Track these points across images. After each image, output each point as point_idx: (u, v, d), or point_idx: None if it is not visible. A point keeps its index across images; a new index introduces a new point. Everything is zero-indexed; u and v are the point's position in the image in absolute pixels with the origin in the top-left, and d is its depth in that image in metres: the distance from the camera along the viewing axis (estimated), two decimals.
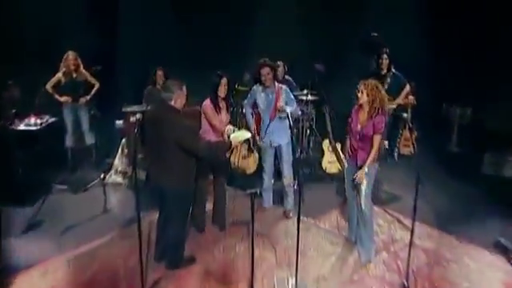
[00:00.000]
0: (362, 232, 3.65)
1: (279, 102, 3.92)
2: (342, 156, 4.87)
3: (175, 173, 3.07)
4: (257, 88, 4.02)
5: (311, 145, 5.60)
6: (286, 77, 5.44)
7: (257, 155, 5.00)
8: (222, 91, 3.70)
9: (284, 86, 3.96)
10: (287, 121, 3.86)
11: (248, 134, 3.40)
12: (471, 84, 5.73)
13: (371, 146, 3.48)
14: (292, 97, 4.00)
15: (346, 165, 3.73)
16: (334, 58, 5.99)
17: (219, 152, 3.34)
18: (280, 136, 4.04)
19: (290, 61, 5.07)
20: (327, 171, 5.13)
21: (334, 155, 5.09)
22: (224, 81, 3.67)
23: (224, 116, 3.76)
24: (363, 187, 3.50)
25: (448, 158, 5.68)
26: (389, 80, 4.89)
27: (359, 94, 3.44)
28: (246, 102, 4.17)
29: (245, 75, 5.65)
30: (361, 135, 3.51)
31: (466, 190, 4.84)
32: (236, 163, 5.04)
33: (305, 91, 5.44)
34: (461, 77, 5.80)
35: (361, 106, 3.50)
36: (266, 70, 3.90)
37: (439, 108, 6.36)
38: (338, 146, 5.11)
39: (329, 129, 5.08)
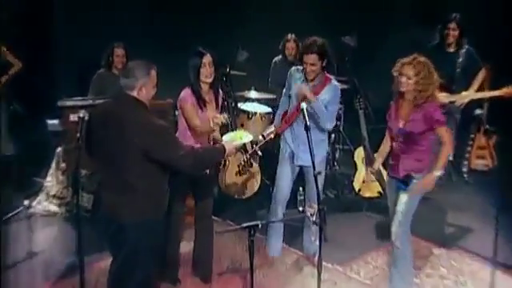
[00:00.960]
0: (393, 274, 3.72)
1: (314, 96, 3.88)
2: (383, 172, 4.89)
3: (139, 197, 3.03)
4: (294, 71, 4.02)
5: (337, 156, 5.78)
6: None
7: (257, 169, 5.08)
8: (206, 75, 3.67)
9: (334, 81, 3.95)
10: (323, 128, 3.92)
11: (248, 137, 3.43)
12: None
13: (423, 148, 3.52)
14: (338, 99, 3.98)
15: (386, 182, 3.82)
16: (372, 30, 6.11)
17: (209, 163, 3.36)
18: (307, 151, 3.81)
19: (305, 33, 5.30)
20: (362, 194, 5.20)
21: (369, 172, 5.17)
22: (207, 59, 3.66)
23: (211, 112, 3.75)
24: (400, 208, 3.55)
25: None
26: (460, 60, 4.95)
27: (402, 78, 3.46)
28: (284, 91, 4.18)
29: (239, 53, 5.86)
30: (404, 135, 3.54)
31: None
32: (226, 182, 5.06)
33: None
34: None
35: (402, 95, 3.53)
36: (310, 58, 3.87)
37: None
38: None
39: (364, 132, 5.17)
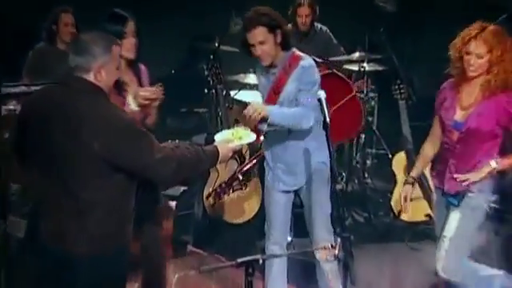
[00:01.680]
0: None
1: (278, 93, 3.90)
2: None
3: (96, 220, 3.04)
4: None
5: (369, 164, 5.89)
6: (319, 26, 5.74)
7: (257, 183, 5.15)
8: (129, 48, 3.71)
9: (305, 60, 3.90)
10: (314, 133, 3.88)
11: (251, 136, 3.47)
12: None
13: (485, 153, 3.53)
14: (311, 82, 3.90)
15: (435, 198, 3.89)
16: None
17: (196, 171, 3.42)
18: (295, 167, 4.02)
19: None
20: (403, 218, 5.16)
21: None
22: (131, 27, 3.72)
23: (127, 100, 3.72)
24: (449, 231, 3.59)
25: None
26: None
27: (469, 59, 3.43)
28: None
29: (233, 22, 5.82)
30: (464, 132, 3.53)
31: None
32: (213, 202, 5.09)
33: (356, 54, 5.65)
34: None
35: (466, 78, 3.51)
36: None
37: None
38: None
39: (406, 131, 5.21)
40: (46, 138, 3.01)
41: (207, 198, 5.09)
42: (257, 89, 5.46)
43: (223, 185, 4.83)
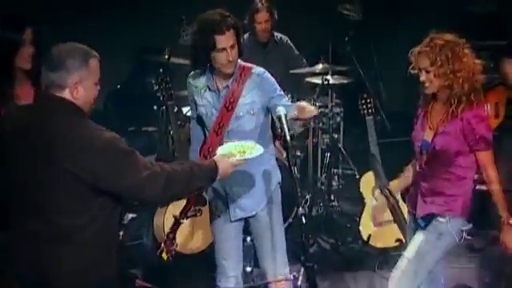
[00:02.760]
0: None
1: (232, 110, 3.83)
2: (404, 211, 5.04)
3: (79, 248, 2.99)
4: (193, 78, 3.95)
5: (334, 185, 5.71)
6: (278, 35, 5.65)
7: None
8: (25, 58, 3.68)
9: (256, 68, 3.87)
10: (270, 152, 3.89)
11: (257, 149, 3.44)
12: None
13: (455, 177, 3.53)
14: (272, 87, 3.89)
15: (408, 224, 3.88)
16: None
17: (190, 189, 3.38)
18: (254, 190, 3.93)
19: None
20: (373, 244, 5.16)
21: (386, 209, 5.00)
22: (29, 35, 3.70)
23: None
24: (409, 252, 3.61)
25: None
26: None
27: (420, 75, 3.47)
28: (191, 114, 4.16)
29: (184, 31, 5.72)
30: (430, 153, 3.53)
31: None
32: (165, 229, 4.87)
33: (319, 66, 5.51)
34: None
35: (434, 96, 3.53)
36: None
37: None
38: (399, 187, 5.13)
39: (374, 149, 5.11)
40: (20, 162, 3.00)
41: (160, 254, 4.69)
42: None
43: (170, 235, 4.57)
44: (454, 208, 3.52)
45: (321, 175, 5.80)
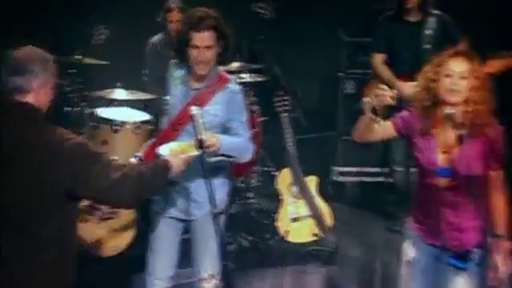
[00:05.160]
0: None
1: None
2: (322, 207, 5.09)
3: (53, 260, 2.98)
4: (174, 67, 3.91)
5: (253, 183, 5.74)
6: None
7: (131, 212, 4.96)
8: None
9: (233, 84, 3.84)
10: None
11: (194, 150, 3.40)
12: None
13: (481, 201, 3.29)
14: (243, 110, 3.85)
15: (412, 252, 3.46)
16: None
17: (156, 188, 3.34)
18: (193, 196, 3.88)
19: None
20: (289, 239, 5.17)
21: (301, 204, 5.14)
22: None
23: None
24: None
25: None
26: (430, 33, 5.19)
27: (454, 81, 3.19)
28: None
29: (97, 31, 5.63)
30: (454, 179, 3.26)
31: None
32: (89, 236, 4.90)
33: (235, 64, 5.55)
34: None
35: (434, 106, 3.28)
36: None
37: None
38: (313, 182, 5.18)
39: (290, 146, 5.16)
40: None
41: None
42: (127, 105, 5.32)
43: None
44: (483, 238, 3.29)
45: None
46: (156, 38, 5.71)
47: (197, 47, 3.59)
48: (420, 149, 3.32)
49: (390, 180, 5.75)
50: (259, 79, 5.67)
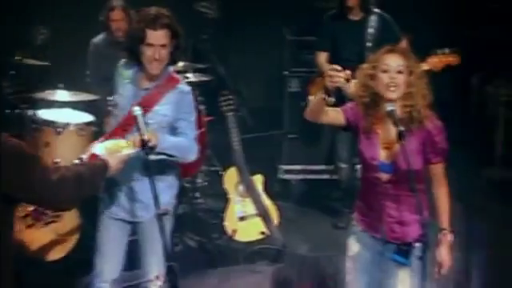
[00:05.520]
0: None
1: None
2: (269, 205, 5.12)
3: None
4: (122, 67, 3.85)
5: (199, 182, 5.74)
6: None
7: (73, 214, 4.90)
8: None
9: (183, 84, 3.80)
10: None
11: (130, 147, 3.38)
12: None
13: (423, 192, 3.32)
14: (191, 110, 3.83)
15: (361, 244, 3.46)
16: None
17: (93, 189, 3.26)
18: (144, 195, 3.79)
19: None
20: (237, 239, 5.20)
21: (247, 203, 5.19)
22: None
23: None
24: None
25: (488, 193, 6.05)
26: (372, 31, 5.27)
27: (390, 76, 3.22)
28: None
29: (37, 32, 5.61)
30: (394, 174, 3.30)
31: None
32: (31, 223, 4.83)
33: (179, 64, 5.49)
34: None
35: (376, 103, 3.29)
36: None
37: (463, 88, 6.70)
38: (259, 181, 5.21)
39: (236, 145, 5.17)
40: None
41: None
42: (69, 106, 5.23)
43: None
44: (423, 232, 3.25)
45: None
46: (98, 38, 5.63)
47: (152, 45, 3.56)
48: (363, 144, 3.35)
49: (336, 177, 5.82)
50: (204, 79, 5.65)
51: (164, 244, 3.54)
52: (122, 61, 3.85)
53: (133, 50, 3.65)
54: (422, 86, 3.25)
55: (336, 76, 3.11)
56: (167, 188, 3.81)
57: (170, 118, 3.68)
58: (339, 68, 3.16)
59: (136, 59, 3.67)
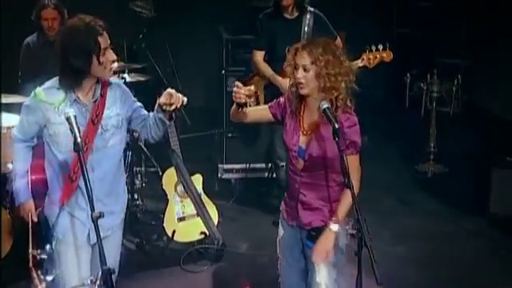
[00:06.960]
0: None
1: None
2: (209, 205, 5.13)
3: None
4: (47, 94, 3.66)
5: (138, 184, 5.69)
6: None
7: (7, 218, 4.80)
8: None
9: (115, 82, 3.71)
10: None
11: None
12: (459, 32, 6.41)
13: (335, 184, 3.40)
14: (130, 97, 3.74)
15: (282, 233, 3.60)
16: None
17: None
18: (110, 208, 3.64)
19: None
20: (178, 240, 5.19)
21: (186, 204, 5.18)
22: None
23: None
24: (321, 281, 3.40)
25: (421, 187, 6.18)
26: (307, 29, 5.29)
27: (297, 73, 3.31)
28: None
29: None
30: (307, 159, 3.40)
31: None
32: None
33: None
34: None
35: (302, 97, 3.39)
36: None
37: (396, 84, 6.78)
38: (199, 181, 5.19)
39: (174, 145, 5.15)
40: None
41: None
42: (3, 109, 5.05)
43: None
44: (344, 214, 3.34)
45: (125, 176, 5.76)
46: (30, 38, 5.47)
47: (107, 48, 3.47)
48: (286, 130, 3.44)
49: (275, 175, 5.84)
50: (141, 79, 5.57)
51: (100, 247, 3.36)
52: (41, 91, 3.58)
53: (83, 65, 3.40)
54: (337, 80, 3.28)
55: (238, 93, 3.30)
56: (121, 176, 3.78)
57: (123, 114, 3.61)
58: (241, 85, 3.35)
59: (75, 77, 3.46)
